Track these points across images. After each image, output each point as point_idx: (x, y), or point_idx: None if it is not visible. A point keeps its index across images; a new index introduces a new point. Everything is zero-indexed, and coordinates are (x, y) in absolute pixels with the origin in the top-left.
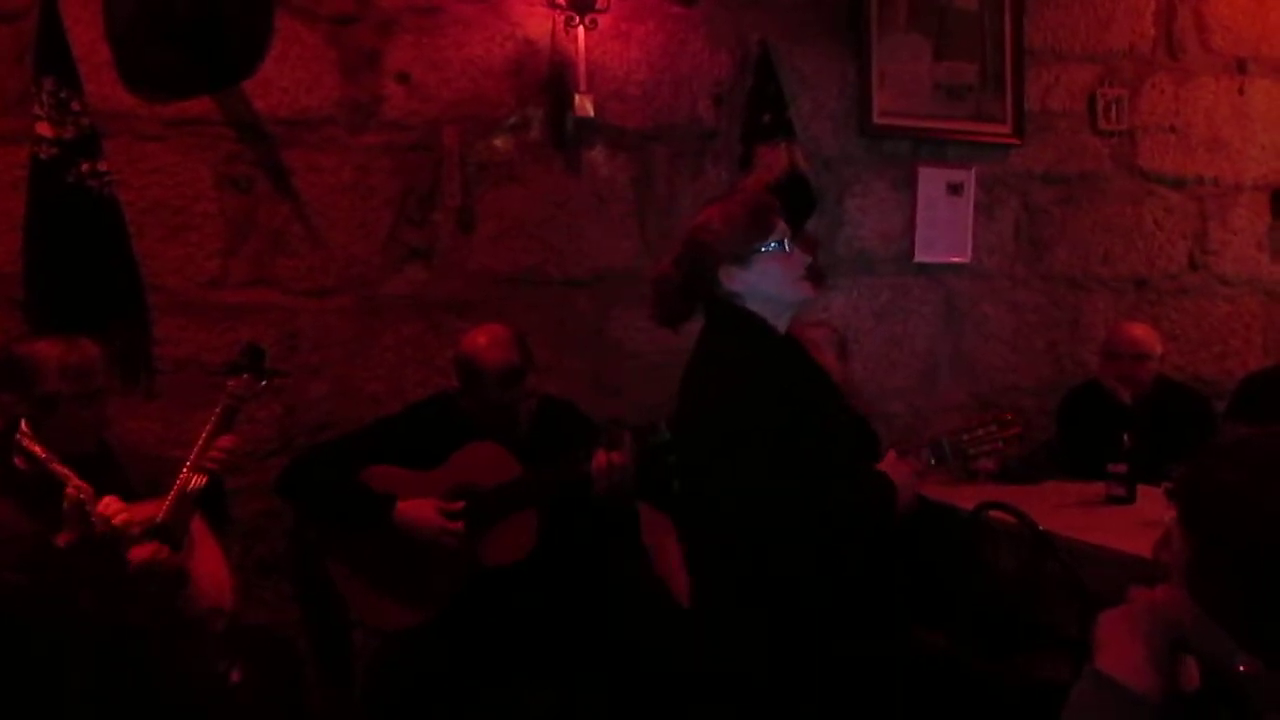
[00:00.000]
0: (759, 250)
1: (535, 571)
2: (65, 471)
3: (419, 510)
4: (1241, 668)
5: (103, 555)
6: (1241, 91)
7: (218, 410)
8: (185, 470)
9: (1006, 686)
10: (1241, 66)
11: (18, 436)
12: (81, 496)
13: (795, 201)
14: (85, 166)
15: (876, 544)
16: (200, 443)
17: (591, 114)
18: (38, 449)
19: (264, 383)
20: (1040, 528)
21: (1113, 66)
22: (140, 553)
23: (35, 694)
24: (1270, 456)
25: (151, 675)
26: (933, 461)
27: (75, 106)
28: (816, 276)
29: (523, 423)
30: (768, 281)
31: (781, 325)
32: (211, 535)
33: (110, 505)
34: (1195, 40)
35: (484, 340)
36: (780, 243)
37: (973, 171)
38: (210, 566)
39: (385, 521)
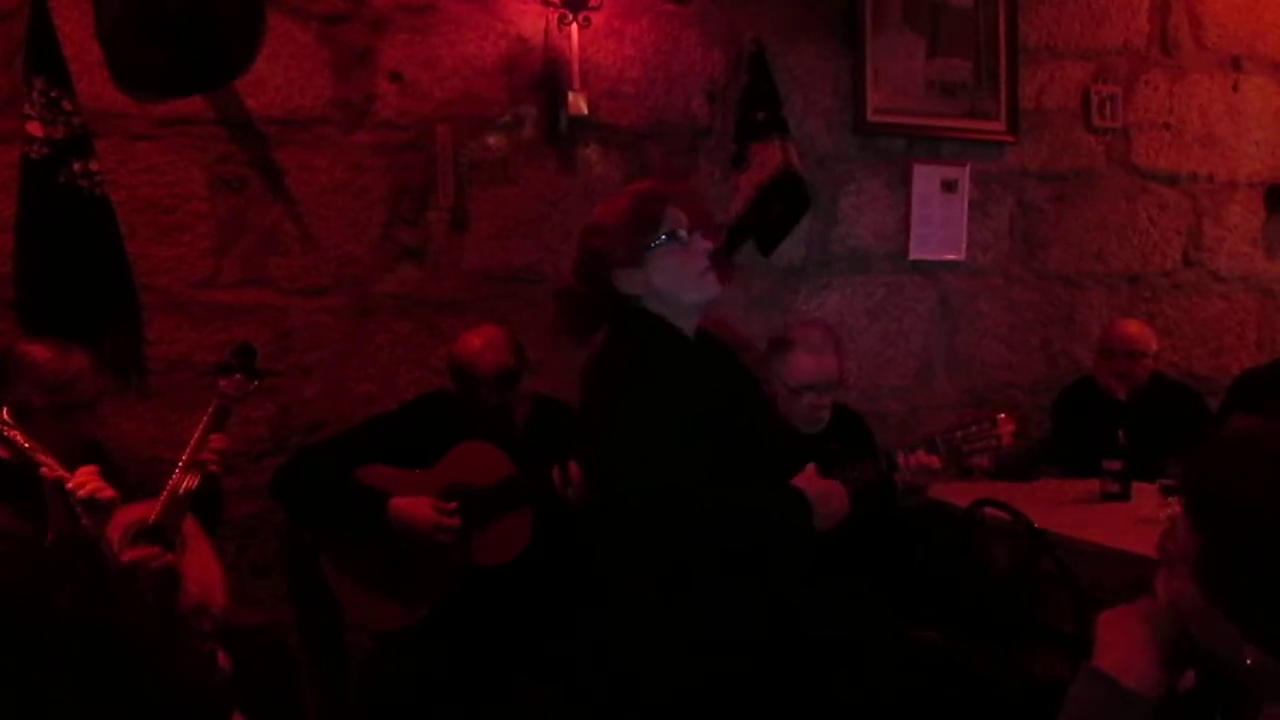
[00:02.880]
0: (651, 247)
1: (529, 571)
2: (44, 458)
3: (414, 506)
4: (1249, 661)
5: (84, 552)
6: (1236, 88)
7: (210, 410)
8: (178, 471)
9: (1002, 683)
10: (1236, 63)
11: None
12: (59, 475)
13: (789, 199)
14: (77, 166)
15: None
16: (193, 443)
17: (585, 112)
18: (18, 435)
19: (256, 383)
20: (1035, 525)
21: (1107, 63)
22: (133, 555)
23: (11, 693)
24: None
25: (133, 674)
26: (938, 463)
27: (66, 106)
28: (723, 268)
29: (519, 424)
30: (666, 280)
31: (689, 325)
32: (204, 536)
33: (82, 476)
34: (1189, 37)
35: (478, 343)
36: (673, 234)
37: (967, 169)
38: (202, 567)
39: (379, 518)
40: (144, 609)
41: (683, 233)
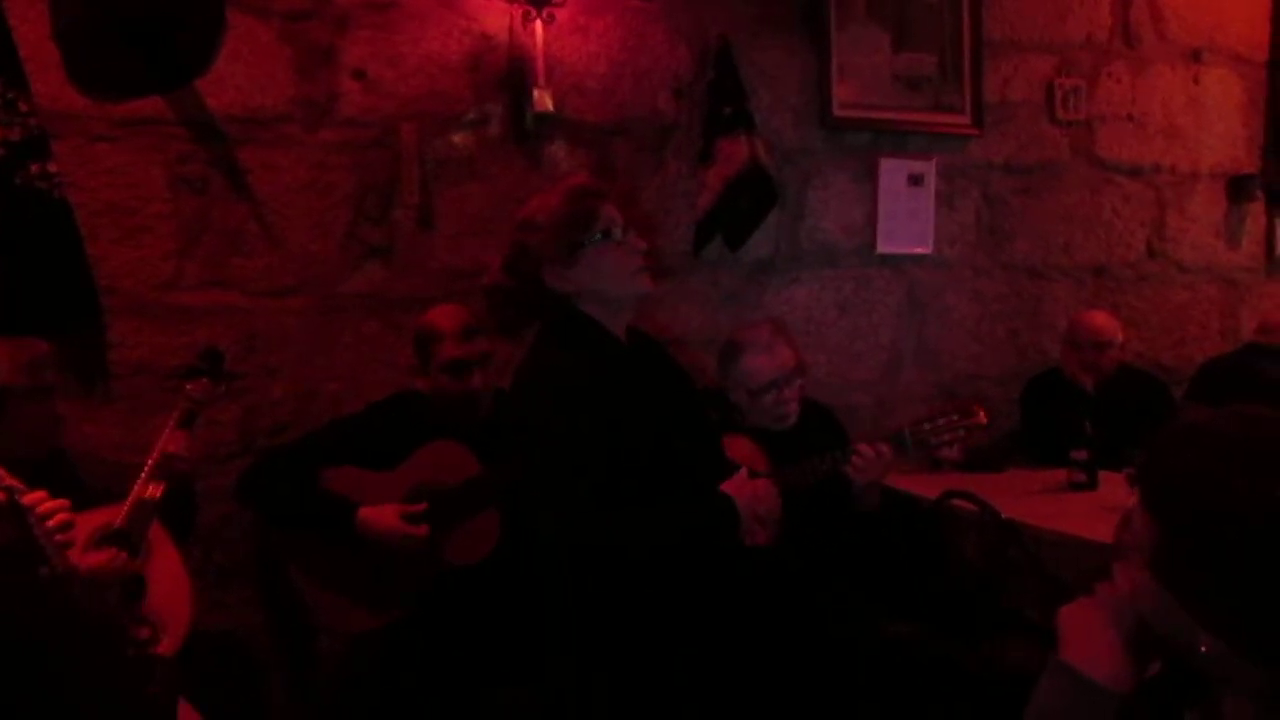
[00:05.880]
0: (584, 244)
1: (499, 570)
2: None
3: (381, 516)
4: (1204, 648)
5: (18, 564)
6: (1197, 81)
7: (175, 414)
8: (142, 478)
9: (972, 672)
10: (1197, 55)
11: None
12: (10, 485)
13: (756, 194)
14: (35, 168)
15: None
16: (159, 447)
17: (551, 109)
18: None
19: (224, 386)
20: (1003, 516)
21: (1070, 57)
22: (96, 558)
23: None
24: (1232, 438)
25: (57, 684)
26: (895, 452)
27: (23, 107)
28: (656, 267)
29: (480, 414)
30: (599, 278)
31: (620, 325)
32: (172, 543)
33: (48, 505)
34: (1151, 30)
35: (437, 311)
36: (607, 232)
37: (933, 162)
38: (169, 574)
39: (348, 529)
40: (79, 618)
41: (617, 231)
